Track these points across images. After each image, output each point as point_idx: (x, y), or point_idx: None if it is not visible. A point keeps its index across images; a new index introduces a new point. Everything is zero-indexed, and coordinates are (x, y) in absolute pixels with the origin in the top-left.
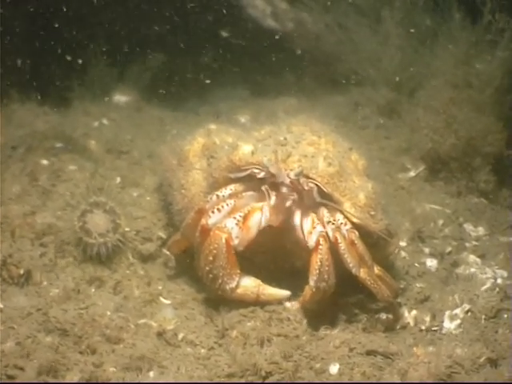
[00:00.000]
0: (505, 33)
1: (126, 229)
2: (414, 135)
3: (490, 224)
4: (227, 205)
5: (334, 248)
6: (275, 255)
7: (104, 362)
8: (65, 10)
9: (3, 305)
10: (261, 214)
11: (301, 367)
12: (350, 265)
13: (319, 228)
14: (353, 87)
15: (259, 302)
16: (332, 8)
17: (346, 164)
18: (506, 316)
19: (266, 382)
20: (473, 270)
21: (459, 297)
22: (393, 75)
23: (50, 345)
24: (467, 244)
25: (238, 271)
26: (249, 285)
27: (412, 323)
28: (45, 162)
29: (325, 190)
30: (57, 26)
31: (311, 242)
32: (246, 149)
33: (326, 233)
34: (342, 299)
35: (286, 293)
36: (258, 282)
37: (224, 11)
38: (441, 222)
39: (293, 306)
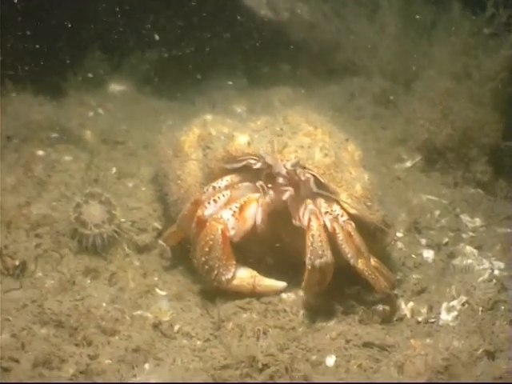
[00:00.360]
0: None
1: (122, 220)
2: (410, 126)
3: (486, 215)
4: (223, 196)
5: (331, 239)
6: (271, 246)
7: (99, 353)
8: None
9: None
10: (257, 206)
11: (297, 359)
12: (348, 255)
13: (310, 207)
14: (349, 77)
15: (255, 294)
16: None
17: (342, 155)
18: (503, 308)
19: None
20: (470, 261)
21: (456, 288)
22: (389, 65)
23: (46, 337)
24: (464, 235)
25: (234, 262)
26: (245, 276)
27: (409, 315)
28: (40, 152)
29: (322, 180)
30: (52, 15)
31: (304, 222)
32: (242, 139)
33: (319, 212)
34: (339, 291)
35: (282, 284)
36: (254, 273)
37: (219, 1)
38: (437, 212)
39: (289, 297)
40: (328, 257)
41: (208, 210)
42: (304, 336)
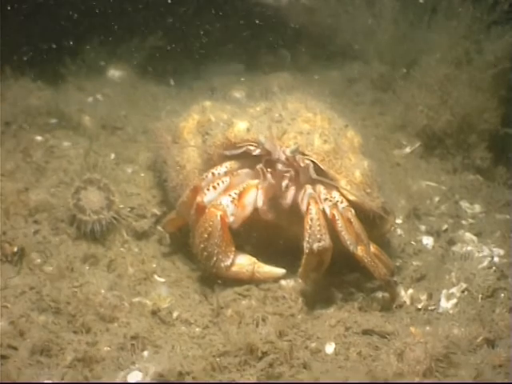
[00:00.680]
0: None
1: (120, 206)
2: (409, 112)
3: (486, 201)
4: (223, 182)
5: (331, 225)
6: (271, 233)
7: (98, 341)
8: None
9: None
10: (256, 192)
11: (296, 347)
12: (348, 242)
13: (309, 191)
14: (348, 62)
15: (254, 280)
16: None
17: (341, 141)
18: (502, 295)
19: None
20: (469, 248)
21: (456, 275)
22: (388, 49)
23: (44, 324)
24: (463, 222)
25: (233, 249)
26: (244, 263)
27: (408, 302)
28: (39, 138)
29: (321, 166)
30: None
31: (303, 207)
32: (241, 126)
33: (319, 197)
34: (338, 278)
35: (281, 271)
36: (253, 259)
37: None
38: (437, 199)
39: (288, 284)
40: (326, 241)
41: (207, 197)
42: (303, 323)
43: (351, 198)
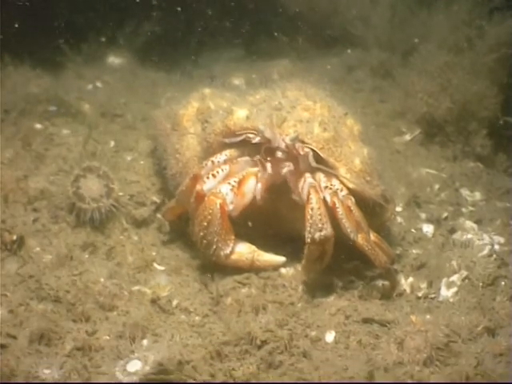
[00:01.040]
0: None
1: (120, 193)
2: (408, 99)
3: (486, 189)
4: (222, 170)
5: (331, 213)
6: (271, 221)
7: (97, 329)
8: None
9: None
10: (255, 180)
11: (296, 335)
12: (348, 230)
13: (309, 180)
14: (347, 48)
15: (254, 269)
16: None
17: (341, 129)
18: (503, 283)
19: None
20: (470, 236)
21: (456, 263)
22: (388, 36)
23: (43, 312)
24: (464, 209)
25: (233, 237)
26: (243, 251)
27: (408, 290)
28: (38, 125)
29: (321, 154)
30: None
31: (303, 196)
32: (240, 113)
33: (319, 186)
34: (338, 266)
35: (281, 259)
36: (253, 248)
37: None
38: (437, 186)
39: (288, 272)
40: (328, 230)
41: (207, 185)
42: (303, 311)
43: (351, 186)
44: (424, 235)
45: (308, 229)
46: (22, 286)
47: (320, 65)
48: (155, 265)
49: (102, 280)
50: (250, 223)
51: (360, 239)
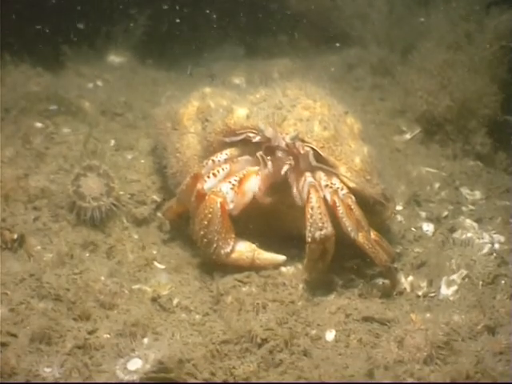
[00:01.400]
0: None
1: (120, 192)
2: (408, 97)
3: (486, 187)
4: (223, 169)
5: (331, 212)
6: (271, 220)
7: (98, 328)
8: None
9: None
10: (256, 179)
11: (297, 334)
12: (349, 228)
13: (309, 179)
14: (346, 46)
15: (254, 267)
16: None
17: (341, 128)
18: (503, 282)
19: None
20: (470, 234)
21: (456, 262)
22: (387, 33)
23: (44, 311)
24: (464, 208)
25: (233, 236)
26: (244, 249)
27: (408, 289)
28: (38, 124)
29: (321, 153)
30: None
31: (303, 195)
32: (240, 112)
33: (319, 185)
34: (338, 264)
35: (281, 257)
36: (253, 246)
37: None
38: (437, 185)
39: (288, 270)
40: (328, 229)
41: (207, 184)
42: (303, 310)
43: (351, 184)
44: (424, 234)
45: (308, 228)
46: (23, 285)
47: (320, 63)
48: (156, 263)
49: (102, 278)
50: (250, 222)
51: (360, 238)
